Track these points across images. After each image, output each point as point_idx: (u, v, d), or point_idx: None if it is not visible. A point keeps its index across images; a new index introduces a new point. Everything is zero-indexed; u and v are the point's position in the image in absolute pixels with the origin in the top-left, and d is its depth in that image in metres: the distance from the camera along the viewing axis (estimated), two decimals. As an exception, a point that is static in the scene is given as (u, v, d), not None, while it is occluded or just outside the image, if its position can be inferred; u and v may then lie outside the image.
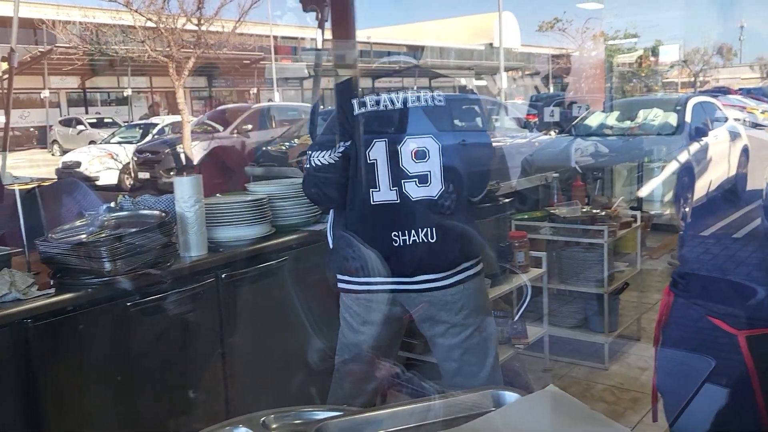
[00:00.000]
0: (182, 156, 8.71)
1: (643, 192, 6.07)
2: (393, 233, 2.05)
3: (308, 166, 2.16)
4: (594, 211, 3.48)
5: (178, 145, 9.24)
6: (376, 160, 2.07)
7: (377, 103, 2.12)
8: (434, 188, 2.06)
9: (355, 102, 2.12)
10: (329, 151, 2.11)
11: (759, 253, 1.40)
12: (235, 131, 9.30)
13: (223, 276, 2.24)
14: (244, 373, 2.30)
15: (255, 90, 17.77)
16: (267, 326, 2.39)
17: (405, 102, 2.11)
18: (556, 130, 8.52)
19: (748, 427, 1.30)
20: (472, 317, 2.12)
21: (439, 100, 2.14)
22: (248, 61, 15.99)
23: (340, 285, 2.16)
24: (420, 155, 2.06)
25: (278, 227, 2.56)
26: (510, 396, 0.92)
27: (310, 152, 2.16)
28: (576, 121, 7.64)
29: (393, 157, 2.07)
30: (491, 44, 15.53)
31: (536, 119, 11.36)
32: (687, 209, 6.18)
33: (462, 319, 2.12)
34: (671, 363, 1.43)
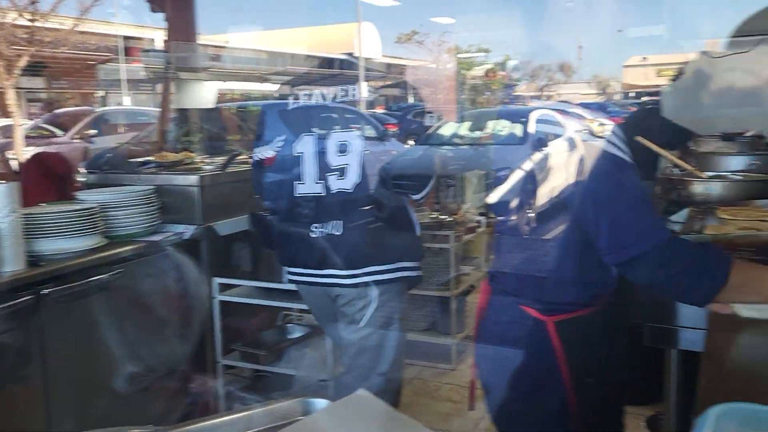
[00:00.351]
0: (13, 162, 7.94)
1: (492, 198, 6.43)
2: (313, 225, 2.11)
3: (253, 161, 2.24)
4: (441, 217, 3.61)
5: (8, 150, 8.43)
6: (302, 153, 2.12)
7: (309, 97, 2.18)
8: (350, 181, 2.08)
9: (291, 98, 2.20)
10: (268, 145, 2.19)
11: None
12: (77, 136, 8.65)
13: (44, 292, 2.05)
14: (68, 397, 2.12)
15: (102, 93, 16.63)
16: (95, 345, 2.22)
17: (334, 97, 2.17)
18: (413, 139, 8.78)
19: (557, 406, 1.41)
20: (373, 322, 2.11)
21: (369, 95, 2.20)
22: (93, 62, 14.91)
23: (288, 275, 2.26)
24: (342, 149, 2.09)
25: (112, 238, 2.40)
26: (319, 403, 0.91)
27: (254, 148, 2.24)
28: (430, 131, 7.92)
29: (320, 150, 2.11)
30: (352, 54, 15.75)
31: (396, 128, 11.66)
32: (531, 214, 6.62)
33: (360, 320, 2.12)
34: (490, 354, 1.51)
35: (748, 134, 4.20)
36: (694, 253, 1.26)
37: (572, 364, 1.39)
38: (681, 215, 2.42)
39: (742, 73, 5.37)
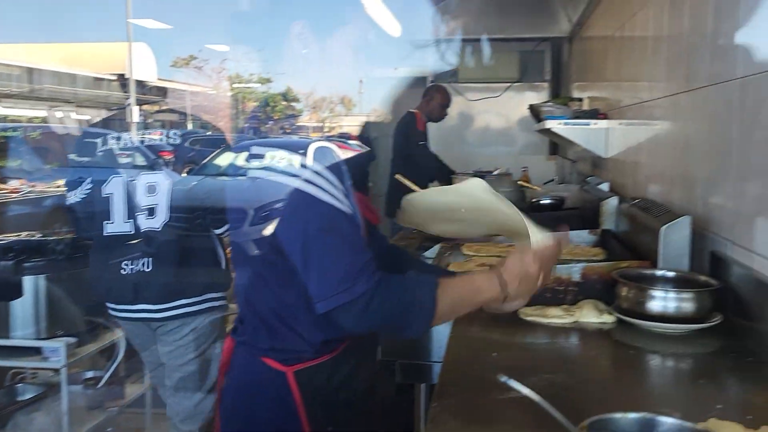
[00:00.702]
0: None
1: (267, 230, 6.37)
2: (124, 262, 2.24)
3: (65, 204, 2.34)
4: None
5: None
6: (111, 194, 2.25)
7: (117, 140, 2.34)
8: (158, 220, 2.25)
9: (99, 140, 2.33)
10: (77, 190, 2.27)
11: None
12: None
13: None
14: None
15: None
16: None
17: (142, 140, 2.38)
18: (188, 168, 8.42)
19: None
20: (192, 348, 2.30)
21: (174, 139, 2.47)
22: None
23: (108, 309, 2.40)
24: (151, 189, 2.26)
25: None
26: None
27: (66, 191, 2.33)
28: (206, 160, 7.64)
29: (129, 191, 2.25)
30: (123, 75, 14.68)
31: (172, 156, 11.10)
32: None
33: (171, 357, 2.30)
34: (234, 410, 1.41)
35: (496, 172, 4.66)
36: (401, 292, 1.26)
37: (313, 414, 1.34)
38: (433, 251, 2.56)
39: (495, 115, 5.97)
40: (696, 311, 1.54)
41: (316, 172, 1.26)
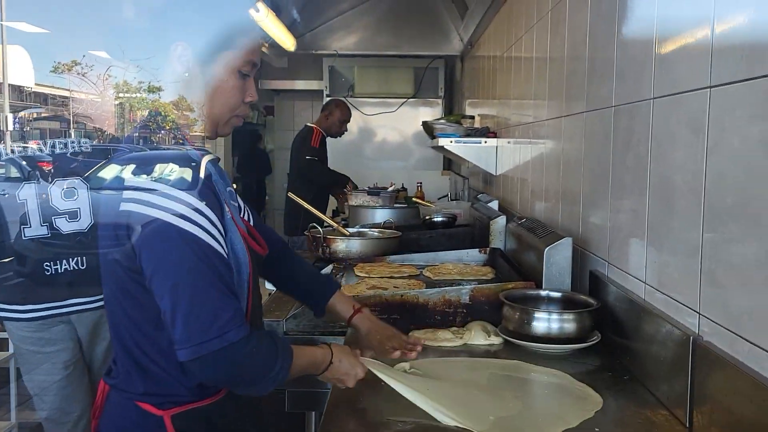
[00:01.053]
0: None
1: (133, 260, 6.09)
2: (45, 264, 2.33)
3: None
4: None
5: None
6: (26, 200, 2.32)
7: (25, 148, 2.40)
8: (84, 222, 2.35)
9: (1, 148, 2.44)
10: None
11: None
12: None
13: None
14: None
15: None
16: None
17: (53, 147, 2.42)
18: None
19: None
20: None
21: (87, 147, 2.49)
22: None
23: (3, 314, 2.41)
24: (69, 194, 2.36)
25: None
26: None
27: None
28: (89, 173, 7.21)
29: (44, 196, 2.34)
30: (-3, 80, 13.58)
31: (51, 168, 10.37)
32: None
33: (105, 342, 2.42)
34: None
35: (391, 188, 4.69)
36: (265, 351, 1.20)
37: None
38: (326, 271, 2.52)
39: (391, 130, 6.01)
40: (576, 331, 1.59)
41: (196, 209, 1.17)
